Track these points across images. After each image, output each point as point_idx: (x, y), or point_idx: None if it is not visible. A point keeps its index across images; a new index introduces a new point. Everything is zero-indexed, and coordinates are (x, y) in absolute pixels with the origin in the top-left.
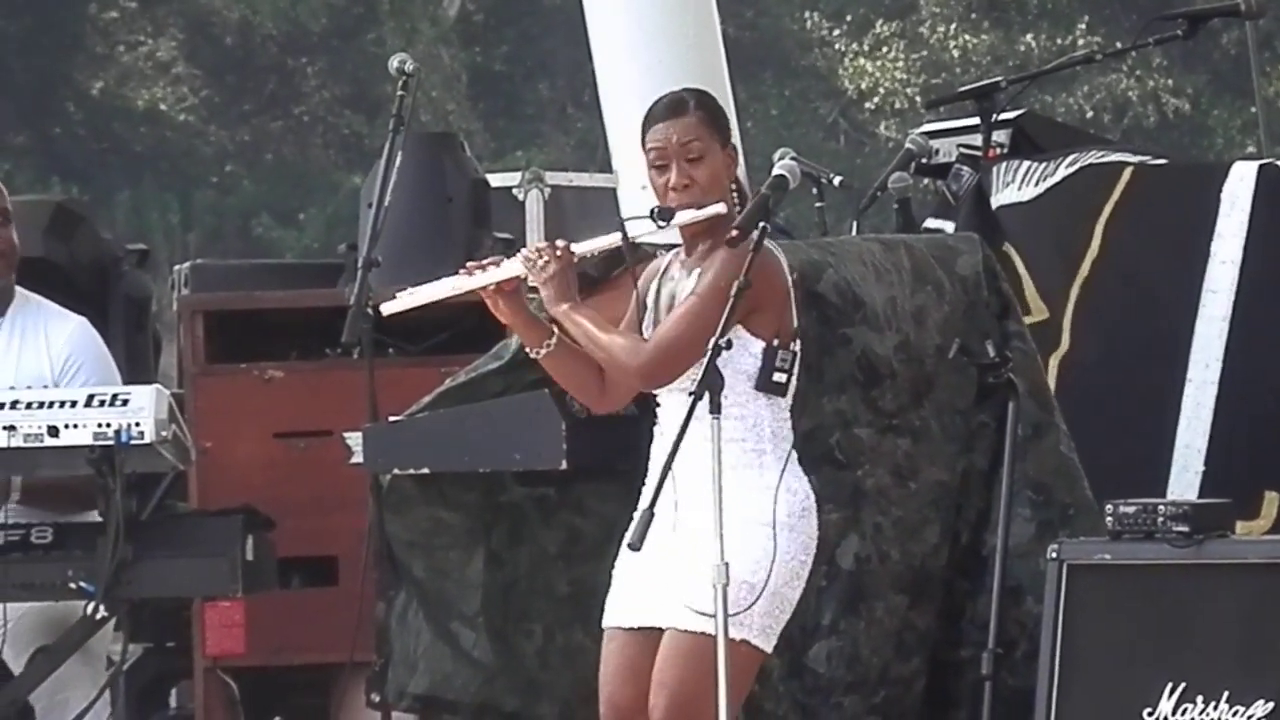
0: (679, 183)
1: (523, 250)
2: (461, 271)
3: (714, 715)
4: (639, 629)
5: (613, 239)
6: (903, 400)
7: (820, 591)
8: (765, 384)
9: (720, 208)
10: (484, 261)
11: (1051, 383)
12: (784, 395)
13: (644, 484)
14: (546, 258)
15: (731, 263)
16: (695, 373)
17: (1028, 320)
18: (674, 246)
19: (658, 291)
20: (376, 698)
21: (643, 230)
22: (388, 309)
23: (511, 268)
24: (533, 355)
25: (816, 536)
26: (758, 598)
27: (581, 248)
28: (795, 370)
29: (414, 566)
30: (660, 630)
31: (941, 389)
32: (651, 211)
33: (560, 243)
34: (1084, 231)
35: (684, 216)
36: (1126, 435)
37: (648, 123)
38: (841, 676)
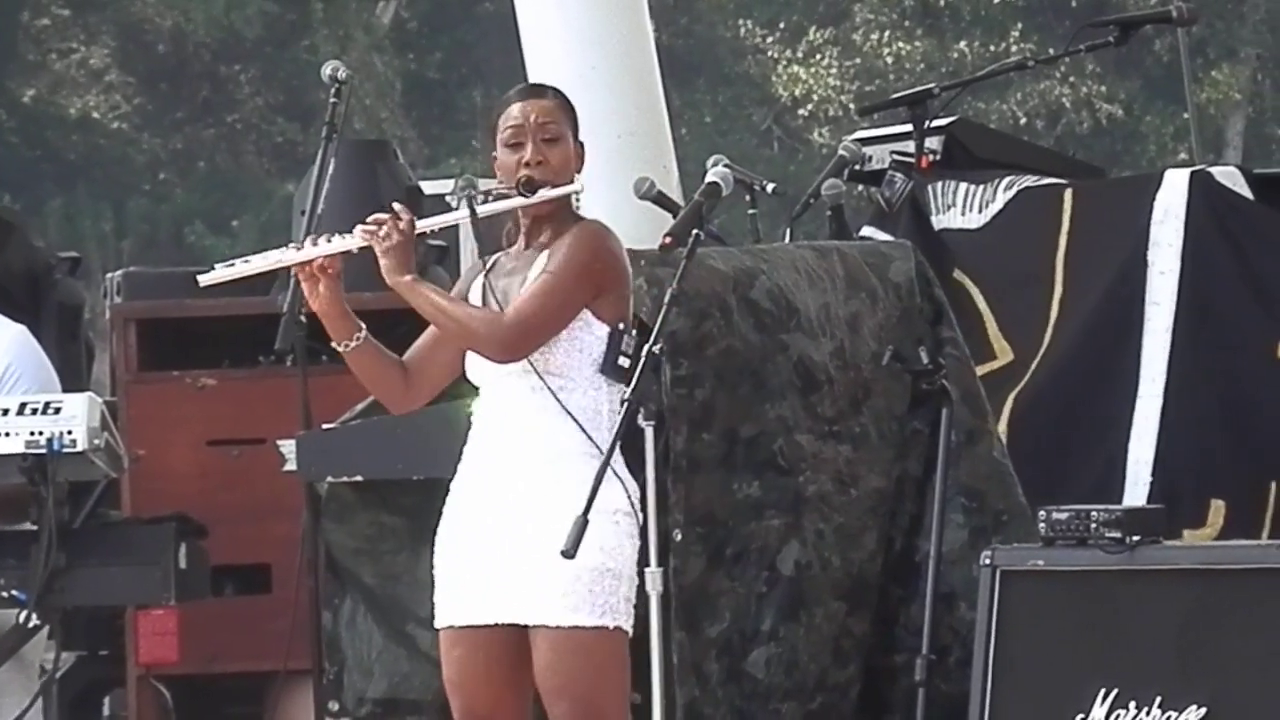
0: (534, 158)
1: (361, 224)
2: (291, 246)
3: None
4: (495, 626)
5: (460, 215)
6: (841, 406)
7: (760, 597)
8: (609, 368)
9: (579, 186)
10: (325, 234)
11: (1007, 414)
12: (627, 382)
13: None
14: (389, 228)
15: (583, 240)
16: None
17: (991, 365)
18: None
19: (484, 288)
20: (336, 706)
21: (496, 208)
22: (205, 280)
23: (353, 240)
24: (338, 348)
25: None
26: (622, 582)
27: (425, 223)
28: (640, 356)
29: (363, 573)
30: (516, 627)
31: (879, 396)
32: (517, 184)
33: (403, 212)
34: (1046, 272)
35: (546, 193)
36: (1083, 459)
37: (502, 106)
38: (780, 682)
